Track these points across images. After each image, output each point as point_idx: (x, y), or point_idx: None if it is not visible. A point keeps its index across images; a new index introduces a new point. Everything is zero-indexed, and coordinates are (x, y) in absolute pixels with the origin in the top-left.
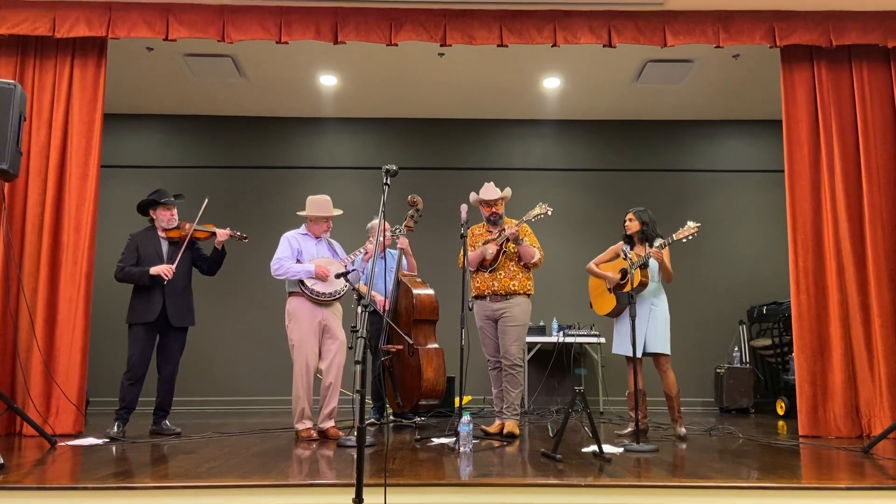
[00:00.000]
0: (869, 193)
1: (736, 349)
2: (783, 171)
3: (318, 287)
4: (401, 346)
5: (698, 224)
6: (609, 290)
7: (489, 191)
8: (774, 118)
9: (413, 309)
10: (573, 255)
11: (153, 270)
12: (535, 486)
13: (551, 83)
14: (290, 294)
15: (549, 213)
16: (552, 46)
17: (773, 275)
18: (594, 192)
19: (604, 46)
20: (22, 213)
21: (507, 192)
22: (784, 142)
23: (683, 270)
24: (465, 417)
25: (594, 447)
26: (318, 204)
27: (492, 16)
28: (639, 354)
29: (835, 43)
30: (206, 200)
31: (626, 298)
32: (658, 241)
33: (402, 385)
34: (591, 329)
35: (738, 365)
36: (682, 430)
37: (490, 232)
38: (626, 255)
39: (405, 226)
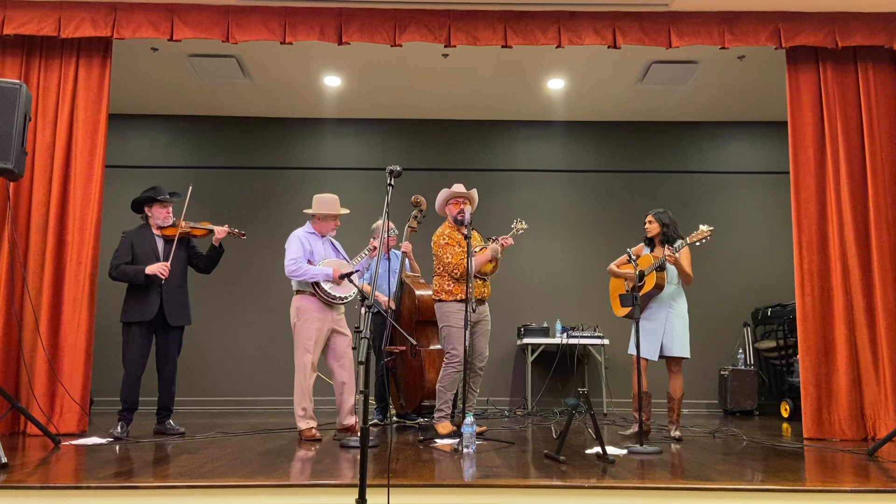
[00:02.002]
0: (874, 195)
1: (740, 351)
2: (788, 172)
3: (336, 291)
4: (404, 347)
5: (711, 227)
6: (627, 290)
7: (462, 187)
8: (780, 120)
9: (416, 310)
10: (577, 256)
11: (149, 270)
12: (539, 488)
13: (556, 84)
14: (299, 293)
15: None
16: (557, 47)
17: (778, 277)
18: (598, 194)
19: (608, 47)
20: (27, 212)
21: (474, 192)
22: (789, 143)
23: None
24: (469, 418)
25: (598, 449)
26: (327, 202)
27: (496, 17)
28: (654, 357)
29: (840, 44)
30: (190, 188)
31: (629, 300)
32: (678, 242)
33: (405, 386)
34: (595, 330)
35: (743, 367)
36: (677, 433)
37: (463, 235)
38: (630, 257)
39: (408, 227)
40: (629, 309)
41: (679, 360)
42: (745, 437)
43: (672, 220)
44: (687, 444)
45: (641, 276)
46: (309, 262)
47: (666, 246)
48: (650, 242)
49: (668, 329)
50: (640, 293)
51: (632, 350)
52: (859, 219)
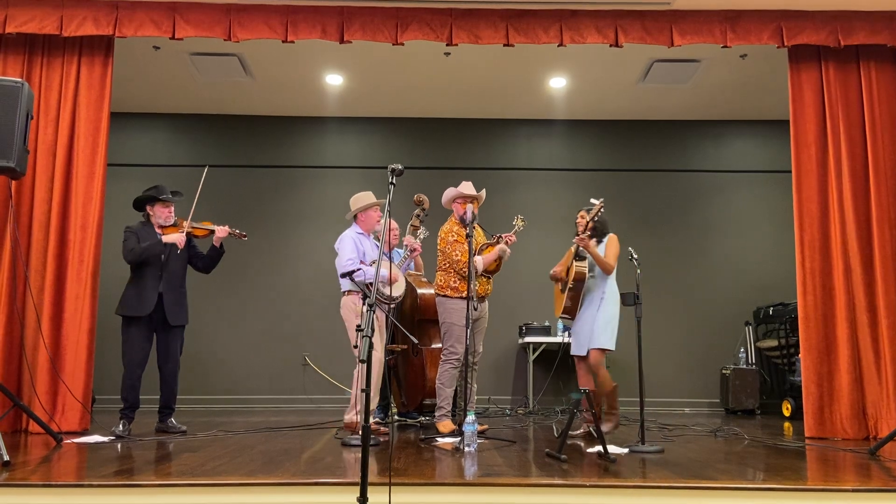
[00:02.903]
0: (876, 194)
1: (742, 350)
2: (790, 171)
3: (393, 293)
4: (405, 346)
5: (601, 199)
6: (562, 290)
7: (470, 187)
8: (782, 118)
9: (417, 308)
10: None
11: (167, 239)
12: (540, 486)
13: (557, 83)
14: (350, 293)
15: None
16: (558, 46)
17: (780, 276)
18: (600, 193)
19: (610, 46)
20: (29, 211)
21: (483, 193)
22: (791, 142)
23: (689, 271)
24: (470, 417)
25: (599, 447)
26: (363, 195)
27: (498, 15)
28: (583, 352)
29: (843, 43)
30: (206, 169)
31: (631, 299)
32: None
33: (407, 384)
34: None
35: (744, 366)
36: (608, 427)
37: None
38: (576, 249)
39: (410, 225)
40: (562, 309)
41: (599, 352)
42: (746, 437)
43: (602, 217)
44: (688, 443)
45: (567, 270)
46: (361, 262)
47: (594, 240)
48: None
49: (596, 319)
50: (569, 287)
51: (574, 351)
52: (861, 217)
